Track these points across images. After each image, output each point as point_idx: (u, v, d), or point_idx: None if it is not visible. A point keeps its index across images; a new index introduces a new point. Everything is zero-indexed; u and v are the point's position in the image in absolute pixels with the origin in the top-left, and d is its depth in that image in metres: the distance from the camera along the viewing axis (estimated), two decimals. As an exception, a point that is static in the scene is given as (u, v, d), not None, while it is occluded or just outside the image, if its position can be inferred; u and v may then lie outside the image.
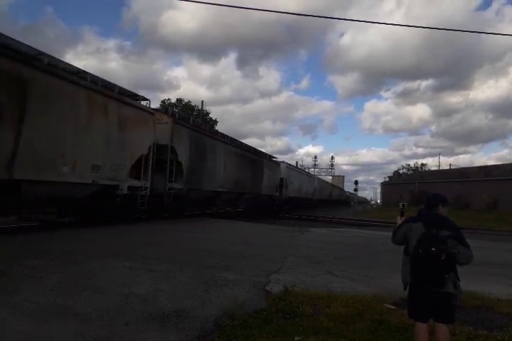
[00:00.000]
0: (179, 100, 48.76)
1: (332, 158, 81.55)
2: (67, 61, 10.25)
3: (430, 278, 2.97)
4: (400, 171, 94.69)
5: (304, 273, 6.16)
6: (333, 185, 72.31)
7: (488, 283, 6.16)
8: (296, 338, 3.41)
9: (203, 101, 47.11)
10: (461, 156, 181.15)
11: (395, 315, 4.18)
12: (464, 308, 4.63)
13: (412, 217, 3.28)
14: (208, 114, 48.58)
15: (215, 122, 48.92)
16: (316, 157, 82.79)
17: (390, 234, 3.47)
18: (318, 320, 3.95)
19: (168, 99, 48.37)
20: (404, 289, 3.27)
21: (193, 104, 48.37)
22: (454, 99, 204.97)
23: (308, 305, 4.36)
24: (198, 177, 16.31)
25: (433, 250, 2.90)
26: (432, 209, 3.24)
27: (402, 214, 3.59)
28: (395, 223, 3.55)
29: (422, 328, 3.09)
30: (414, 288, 3.13)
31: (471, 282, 5.91)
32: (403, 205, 3.86)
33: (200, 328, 3.54)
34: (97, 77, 10.63)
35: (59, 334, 3.22)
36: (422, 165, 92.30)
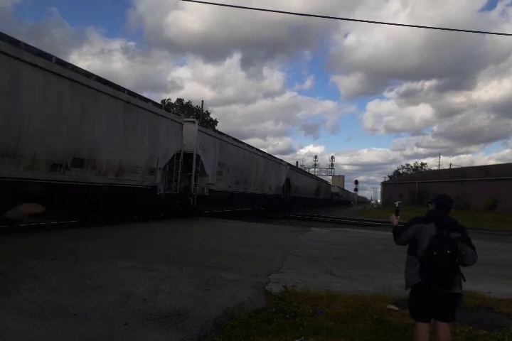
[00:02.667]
0: (179, 100, 48.82)
1: (332, 157, 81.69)
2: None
3: (442, 280, 2.98)
4: (400, 171, 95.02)
5: (304, 273, 6.16)
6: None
7: (488, 283, 6.17)
8: (296, 340, 3.41)
9: (203, 101, 47.25)
10: (462, 156, 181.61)
11: (395, 315, 4.19)
12: (464, 308, 4.64)
13: (423, 218, 3.24)
14: (208, 113, 48.65)
15: (215, 122, 48.97)
16: (316, 157, 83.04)
17: (390, 234, 3.45)
18: (318, 319, 3.95)
19: (168, 99, 48.47)
20: (406, 289, 3.25)
21: (193, 104, 48.39)
22: (456, 99, 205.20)
23: (308, 304, 4.37)
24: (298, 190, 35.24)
25: (448, 252, 2.91)
26: (445, 212, 3.22)
27: (397, 213, 3.56)
28: (390, 221, 3.50)
29: (423, 328, 3.10)
30: (420, 289, 3.11)
31: (471, 282, 5.91)
32: (399, 204, 3.85)
33: (200, 328, 3.54)
34: (253, 147, 24.76)
35: (59, 334, 3.22)
36: (422, 164, 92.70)
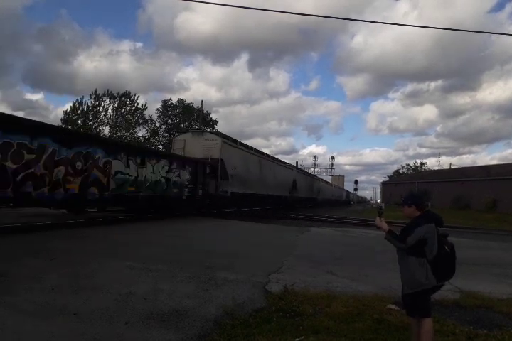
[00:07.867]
0: (180, 101, 48.78)
1: (332, 158, 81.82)
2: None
3: (453, 274, 3.13)
4: (400, 171, 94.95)
5: (304, 273, 6.16)
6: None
7: (488, 283, 6.15)
8: (296, 339, 3.41)
9: (202, 101, 47.12)
10: (464, 156, 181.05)
11: (395, 315, 4.19)
12: (464, 308, 4.64)
13: (425, 218, 3.18)
14: (208, 114, 48.61)
15: (215, 122, 48.93)
16: (316, 157, 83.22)
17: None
18: (318, 319, 3.95)
19: (169, 100, 48.41)
20: (413, 290, 3.15)
21: (196, 105, 48.25)
22: (461, 100, 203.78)
23: (308, 304, 4.37)
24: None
25: (452, 246, 3.10)
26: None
27: (380, 216, 3.42)
28: (378, 226, 3.36)
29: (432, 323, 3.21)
30: (430, 288, 3.14)
31: (471, 282, 5.91)
32: (381, 207, 3.85)
33: (200, 327, 3.54)
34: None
35: (59, 333, 3.22)
36: (422, 164, 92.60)
